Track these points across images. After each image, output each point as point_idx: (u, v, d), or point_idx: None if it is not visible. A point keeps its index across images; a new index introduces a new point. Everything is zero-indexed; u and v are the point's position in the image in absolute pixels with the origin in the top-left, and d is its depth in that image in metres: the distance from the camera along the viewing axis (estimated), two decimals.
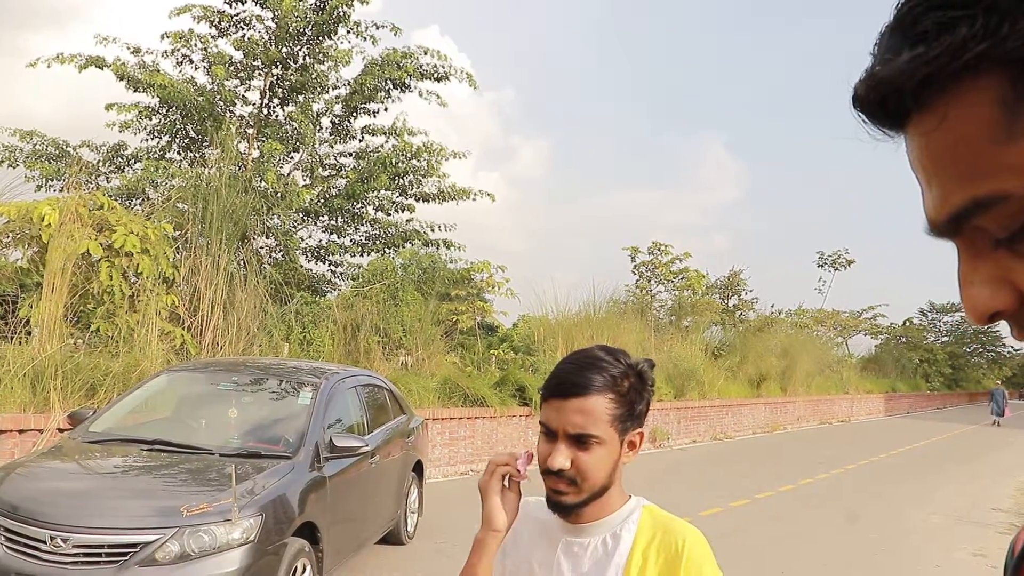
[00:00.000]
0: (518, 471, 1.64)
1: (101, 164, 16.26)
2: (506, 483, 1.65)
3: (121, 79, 15.21)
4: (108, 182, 16.08)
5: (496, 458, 1.65)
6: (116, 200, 12.65)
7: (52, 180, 15.00)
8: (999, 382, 39.13)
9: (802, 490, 13.52)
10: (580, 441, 1.58)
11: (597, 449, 1.58)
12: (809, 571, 8.33)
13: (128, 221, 10.77)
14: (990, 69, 0.53)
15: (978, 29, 0.52)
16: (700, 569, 1.59)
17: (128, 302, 10.59)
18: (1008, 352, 74.98)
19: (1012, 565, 0.75)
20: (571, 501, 1.61)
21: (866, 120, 0.60)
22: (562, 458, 1.57)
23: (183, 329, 11.18)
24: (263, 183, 14.37)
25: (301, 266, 16.23)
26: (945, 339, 61.28)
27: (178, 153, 16.40)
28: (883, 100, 0.58)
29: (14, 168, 14.97)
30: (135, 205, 14.30)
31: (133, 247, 10.44)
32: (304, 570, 5.48)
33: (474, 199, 16.97)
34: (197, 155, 15.71)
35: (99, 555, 4.60)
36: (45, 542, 4.60)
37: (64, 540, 4.59)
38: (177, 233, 12.08)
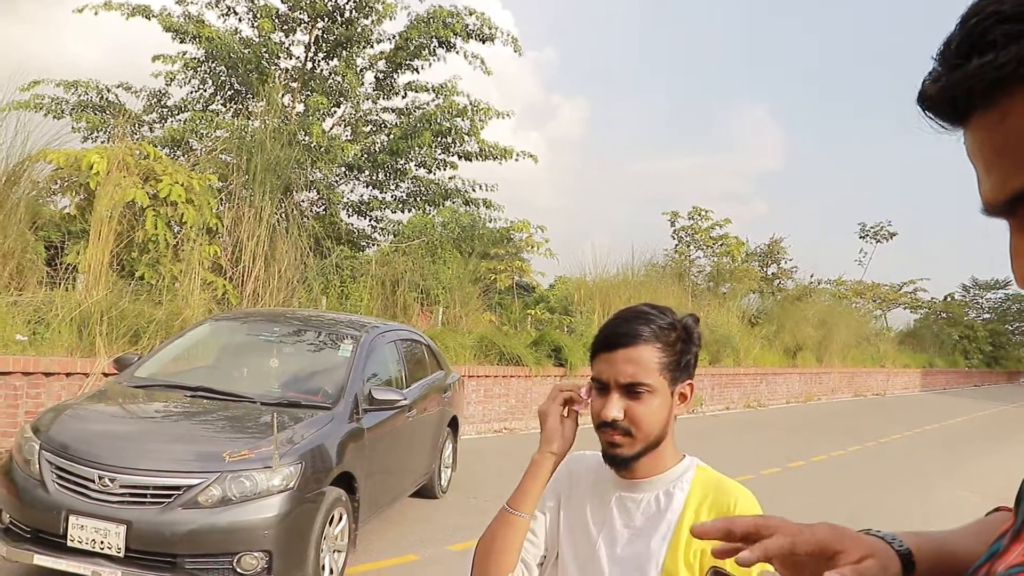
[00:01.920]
0: (581, 398, 1.66)
1: (145, 114, 16.39)
2: (565, 412, 1.68)
3: (167, 30, 15.26)
4: (152, 132, 16.22)
5: (560, 384, 1.69)
6: (160, 150, 12.79)
7: (97, 131, 15.17)
8: None
9: (834, 461, 13.48)
10: (632, 391, 1.59)
11: (649, 398, 1.60)
12: None
13: (174, 171, 10.90)
14: None
15: None
16: None
17: (172, 251, 10.75)
18: None
19: None
20: (626, 453, 1.62)
21: (932, 116, 0.71)
22: (615, 408, 1.59)
23: (225, 279, 11.34)
24: (307, 137, 14.43)
25: (342, 220, 16.32)
26: (987, 316, 60.26)
27: (223, 105, 16.46)
28: (953, 100, 0.68)
29: (59, 119, 15.13)
30: (180, 156, 14.44)
31: (178, 197, 10.58)
32: (341, 519, 5.58)
33: (516, 159, 16.90)
34: (241, 107, 15.77)
35: (144, 495, 4.73)
36: (93, 481, 4.73)
37: (112, 480, 4.72)
38: (221, 184, 12.21)
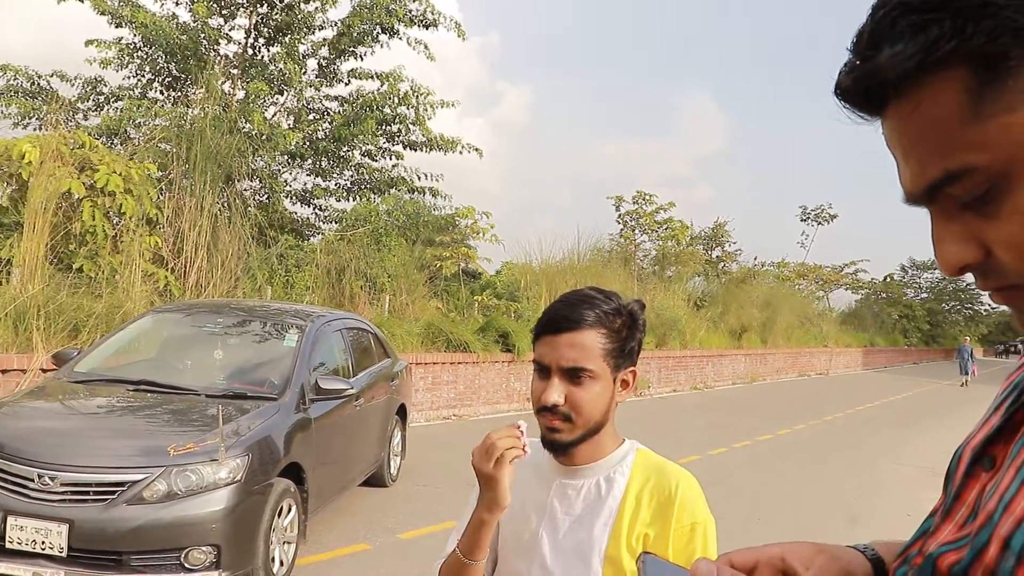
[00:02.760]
0: (519, 448, 1.54)
1: (79, 101, 15.97)
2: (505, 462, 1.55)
3: (101, 13, 14.87)
4: (87, 120, 15.82)
5: (500, 441, 1.52)
6: (97, 139, 12.47)
7: (28, 117, 14.74)
8: (967, 338, 35.52)
9: (780, 440, 13.72)
10: (573, 375, 1.57)
11: (590, 384, 1.58)
12: (785, 518, 8.48)
13: (111, 160, 10.64)
14: (957, 62, 0.63)
15: (947, 29, 0.63)
16: (693, 512, 1.60)
17: (111, 243, 10.52)
18: (985, 310, 75.86)
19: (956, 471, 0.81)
20: (566, 439, 1.60)
21: (848, 107, 0.71)
22: (556, 393, 1.56)
23: (167, 270, 11.14)
24: (248, 125, 14.19)
25: (285, 209, 16.12)
26: (924, 295, 61.80)
27: (160, 92, 16.13)
28: (867, 90, 0.69)
29: None
30: (117, 145, 14.11)
31: (116, 187, 10.34)
32: (290, 510, 5.53)
33: (461, 152, 16.84)
34: (180, 95, 15.47)
35: (87, 493, 4.61)
36: (33, 480, 4.60)
37: (52, 478, 4.60)
38: (161, 174, 11.97)
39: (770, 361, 28.73)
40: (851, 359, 38.11)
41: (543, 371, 1.60)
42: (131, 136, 14.10)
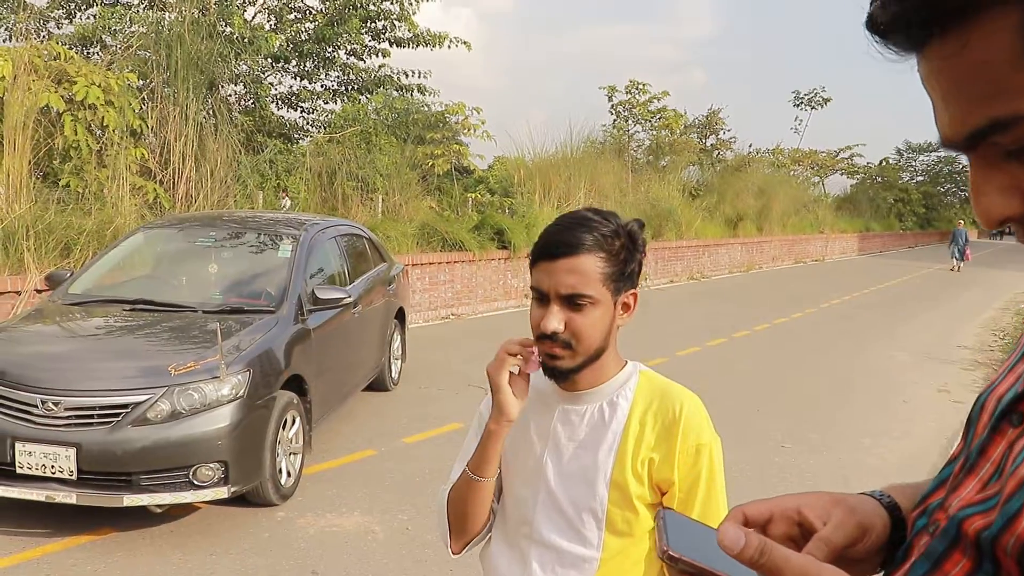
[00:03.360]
0: (530, 360, 1.58)
1: (50, 9, 15.47)
2: (514, 369, 1.60)
3: None
4: (60, 29, 15.35)
5: (507, 347, 1.58)
6: (71, 49, 12.12)
7: None
8: (961, 221, 33.35)
9: (777, 328, 13.83)
10: (573, 302, 1.54)
11: (591, 310, 1.55)
12: (783, 407, 8.60)
13: (88, 71, 10.36)
14: (1010, 1, 0.58)
15: None
16: (698, 435, 1.59)
17: (96, 157, 10.34)
18: None
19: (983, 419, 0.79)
20: (567, 366, 1.58)
21: (880, 41, 0.65)
22: (555, 320, 1.53)
23: (155, 183, 10.99)
24: (228, 28, 13.79)
25: (272, 113, 15.82)
26: (920, 179, 61.55)
27: None
28: (907, 26, 0.63)
29: None
30: (93, 55, 13.73)
31: (96, 99, 10.09)
32: (294, 422, 5.57)
33: (449, 47, 16.42)
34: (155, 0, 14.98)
35: (91, 417, 4.63)
36: (37, 406, 4.61)
37: (56, 404, 4.61)
38: (142, 83, 11.68)
39: (766, 249, 28.76)
40: (847, 245, 38.17)
41: (541, 298, 1.57)
42: (107, 44, 13.71)
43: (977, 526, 0.69)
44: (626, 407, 1.63)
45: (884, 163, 55.27)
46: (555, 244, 1.56)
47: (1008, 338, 13.35)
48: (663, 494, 1.61)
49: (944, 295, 21.04)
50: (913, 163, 62.77)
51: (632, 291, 1.63)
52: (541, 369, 1.62)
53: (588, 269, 1.54)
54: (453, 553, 1.71)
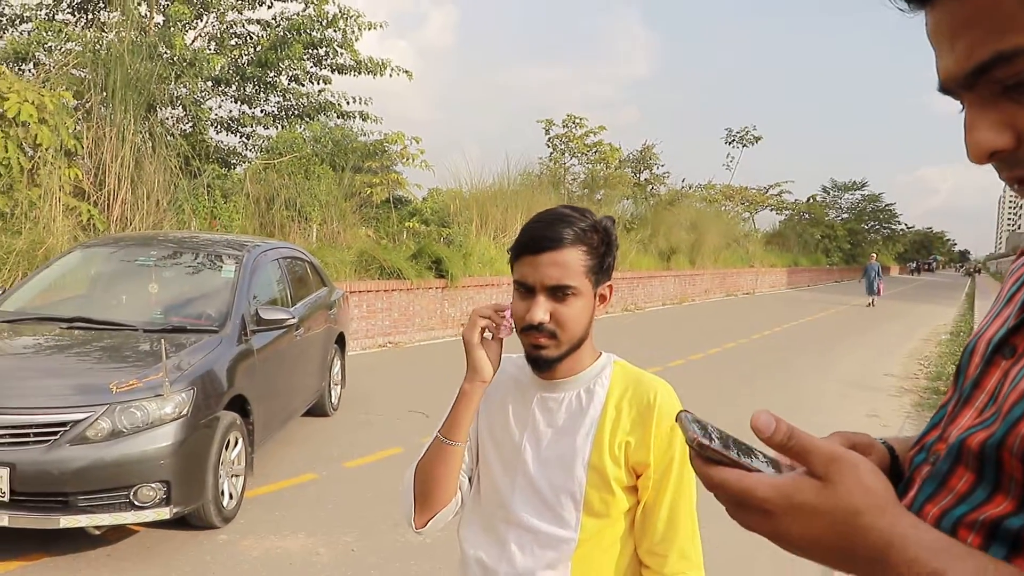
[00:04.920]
0: (503, 324, 1.66)
1: None
2: (487, 335, 1.68)
3: None
4: None
5: (480, 310, 1.67)
6: (3, 65, 11.84)
7: None
8: (873, 255, 32.40)
9: (710, 358, 14.05)
10: (557, 293, 1.60)
11: (574, 301, 1.61)
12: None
13: (21, 88, 10.13)
14: None
15: None
16: (671, 419, 1.65)
17: (27, 176, 10.08)
18: (901, 230, 78.48)
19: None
20: (552, 355, 1.64)
21: None
22: (541, 311, 1.59)
23: (89, 204, 10.75)
24: (169, 50, 13.61)
25: (211, 138, 15.62)
26: (845, 216, 63.42)
27: (71, 14, 15.30)
28: None
29: None
30: (26, 71, 13.42)
31: (29, 116, 9.86)
32: (236, 443, 5.48)
33: (391, 75, 16.45)
34: (93, 18, 14.71)
35: (27, 435, 4.48)
36: None
37: None
38: (77, 102, 11.45)
39: (698, 282, 29.25)
40: (776, 279, 39.03)
41: (527, 291, 1.62)
42: (42, 61, 13.41)
43: (980, 439, 0.74)
44: (603, 394, 1.69)
45: (812, 200, 56.81)
46: (539, 239, 1.61)
47: (932, 367, 13.79)
48: (638, 476, 1.67)
49: (870, 327, 21.62)
50: (839, 201, 64.74)
51: (608, 283, 1.70)
52: (520, 359, 1.70)
53: (571, 262, 1.60)
54: (416, 528, 1.72)
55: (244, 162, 16.47)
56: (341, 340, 8.80)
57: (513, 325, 1.66)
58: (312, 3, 15.85)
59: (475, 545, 1.75)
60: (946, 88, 0.72)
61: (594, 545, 1.67)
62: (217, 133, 16.03)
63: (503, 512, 1.71)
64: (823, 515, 0.70)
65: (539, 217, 1.67)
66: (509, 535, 1.69)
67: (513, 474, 1.71)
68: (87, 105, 11.40)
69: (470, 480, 1.80)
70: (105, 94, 11.44)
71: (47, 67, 12.12)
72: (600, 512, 1.66)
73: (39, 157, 10.22)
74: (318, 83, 16.18)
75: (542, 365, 1.66)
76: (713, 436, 0.81)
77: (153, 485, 4.62)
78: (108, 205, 11.04)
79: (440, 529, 1.77)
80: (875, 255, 31.39)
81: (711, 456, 0.78)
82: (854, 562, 0.70)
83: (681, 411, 0.85)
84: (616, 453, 1.65)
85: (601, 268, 1.65)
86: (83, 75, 11.87)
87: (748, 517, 0.75)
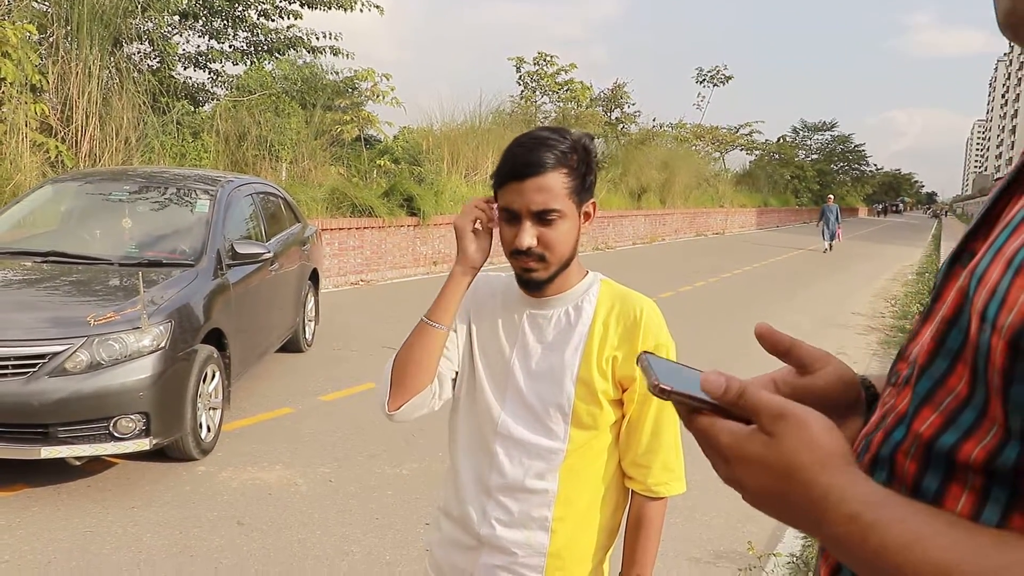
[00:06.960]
0: (492, 217, 1.72)
1: None
2: (478, 226, 1.73)
3: None
4: None
5: (474, 200, 1.74)
6: None
7: None
8: (831, 197, 29.85)
9: (681, 296, 14.21)
10: (543, 218, 1.64)
11: (560, 223, 1.65)
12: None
13: None
14: None
15: None
16: (656, 336, 1.74)
17: None
18: (870, 171, 78.85)
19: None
20: (542, 276, 1.69)
21: None
22: (529, 236, 1.64)
23: (57, 140, 10.59)
24: None
25: (179, 74, 15.34)
26: (815, 156, 63.65)
27: None
28: None
29: None
30: None
31: None
32: (214, 376, 5.54)
33: (362, 10, 16.16)
34: None
35: (5, 367, 4.52)
36: None
37: None
38: (41, 36, 11.20)
39: (669, 221, 29.37)
40: (746, 219, 39.25)
41: (513, 217, 1.66)
42: None
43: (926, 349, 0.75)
44: (590, 311, 1.76)
45: (781, 140, 56.93)
46: (522, 165, 1.64)
47: (899, 306, 14.06)
48: (624, 390, 1.74)
49: (839, 266, 21.90)
50: (808, 141, 64.91)
51: (592, 200, 1.74)
52: (510, 279, 1.78)
53: (554, 185, 1.64)
54: (389, 411, 1.73)
55: (213, 99, 16.22)
56: (315, 276, 8.83)
57: (492, 221, 1.72)
58: None
59: (465, 456, 1.82)
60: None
61: (581, 456, 1.74)
62: (185, 69, 15.75)
63: (493, 425, 1.77)
64: (768, 468, 0.71)
65: (519, 142, 1.69)
66: (499, 447, 1.76)
67: (503, 388, 1.77)
68: (51, 39, 11.16)
69: (454, 383, 1.84)
70: (69, 27, 11.21)
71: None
72: (587, 424, 1.73)
73: (3, 92, 10.03)
74: (288, 17, 15.87)
75: (532, 286, 1.73)
76: (674, 374, 0.81)
77: (132, 417, 4.68)
78: (76, 142, 10.89)
79: (414, 418, 1.78)
80: (831, 196, 29.82)
81: (673, 399, 0.78)
82: (794, 515, 0.72)
83: (641, 352, 0.87)
84: (604, 367, 1.72)
85: (583, 187, 1.69)
86: (46, 8, 11.59)
87: (713, 460, 0.78)
